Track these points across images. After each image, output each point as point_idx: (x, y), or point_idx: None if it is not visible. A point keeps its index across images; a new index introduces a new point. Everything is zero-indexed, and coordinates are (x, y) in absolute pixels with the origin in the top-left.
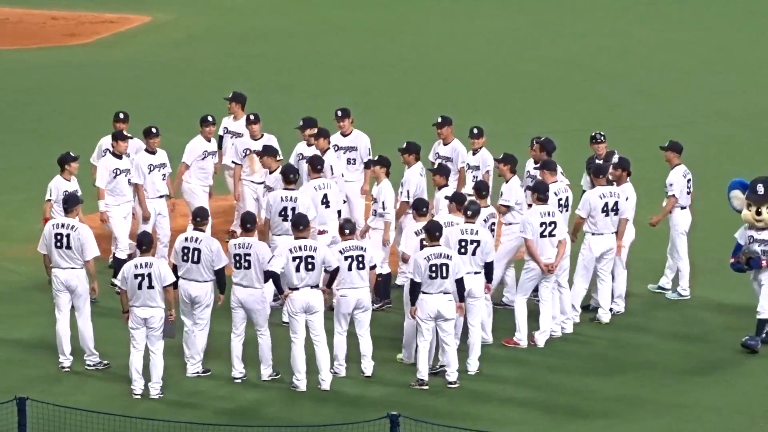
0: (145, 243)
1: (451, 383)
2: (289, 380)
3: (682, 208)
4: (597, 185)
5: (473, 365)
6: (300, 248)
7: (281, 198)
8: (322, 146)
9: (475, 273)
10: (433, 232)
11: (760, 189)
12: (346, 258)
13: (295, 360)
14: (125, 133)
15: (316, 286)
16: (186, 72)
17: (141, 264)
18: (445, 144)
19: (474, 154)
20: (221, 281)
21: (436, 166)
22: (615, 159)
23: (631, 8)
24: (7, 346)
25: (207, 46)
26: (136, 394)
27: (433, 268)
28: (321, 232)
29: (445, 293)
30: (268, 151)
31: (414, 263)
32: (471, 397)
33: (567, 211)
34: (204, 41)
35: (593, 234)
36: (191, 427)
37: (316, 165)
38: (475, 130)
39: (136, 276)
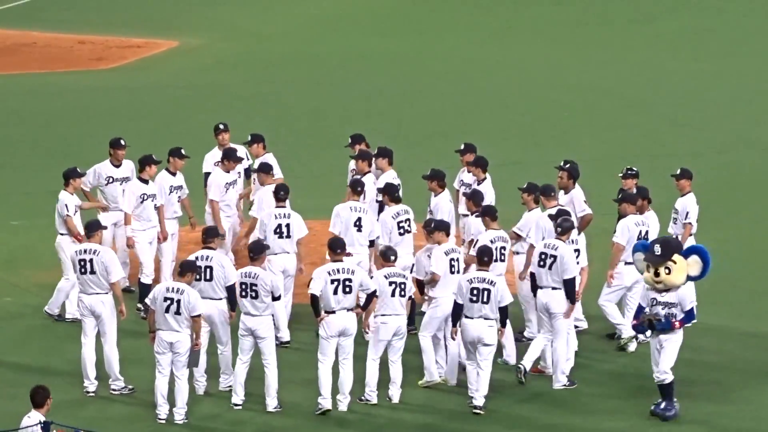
0: (186, 269)
1: (476, 408)
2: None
3: (691, 234)
4: (629, 213)
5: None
6: (338, 271)
7: (275, 216)
8: (362, 168)
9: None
10: (482, 257)
11: (657, 249)
12: (390, 284)
13: (321, 381)
14: (154, 157)
15: (352, 309)
16: (214, 97)
17: (173, 288)
18: (468, 171)
19: (469, 171)
20: (232, 298)
21: (470, 192)
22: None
23: (662, 37)
24: (32, 371)
25: (235, 71)
26: (161, 419)
27: (475, 291)
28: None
29: (485, 318)
30: (263, 169)
31: (457, 285)
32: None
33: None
34: (232, 67)
35: (626, 263)
36: None
37: (356, 187)
38: (462, 146)
39: (165, 299)
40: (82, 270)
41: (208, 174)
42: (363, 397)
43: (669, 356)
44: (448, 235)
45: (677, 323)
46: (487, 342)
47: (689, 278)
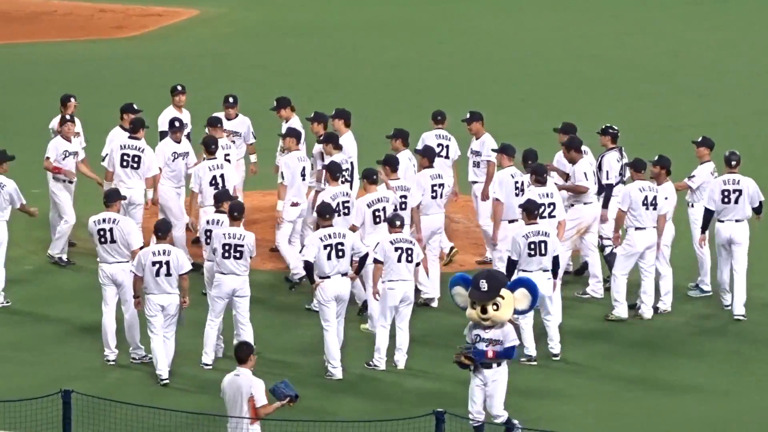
0: (162, 230)
1: (554, 356)
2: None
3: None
4: (636, 179)
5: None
6: (330, 236)
7: (209, 168)
8: (317, 131)
9: None
10: (531, 210)
11: (483, 285)
12: (396, 249)
13: (329, 348)
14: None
15: (346, 274)
16: (232, 66)
17: (159, 251)
18: (476, 139)
19: (476, 139)
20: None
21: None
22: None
23: (679, 7)
24: (52, 340)
25: (255, 40)
26: (163, 380)
27: (532, 245)
28: (294, 204)
29: (544, 271)
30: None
31: (512, 241)
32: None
33: (523, 194)
34: (252, 36)
35: (636, 228)
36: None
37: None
38: (467, 115)
39: (154, 263)
40: (102, 239)
41: (163, 133)
42: (371, 362)
43: (499, 397)
44: (371, 183)
45: (490, 351)
46: (548, 293)
47: (517, 312)
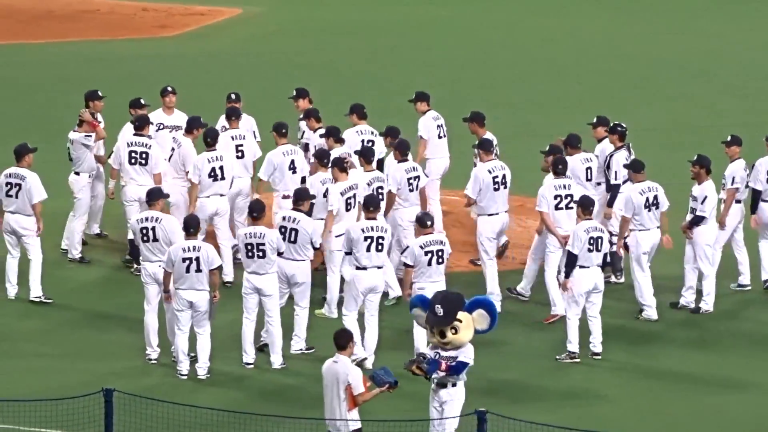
0: (192, 226)
1: (595, 354)
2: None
3: (737, 201)
4: (636, 181)
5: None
6: (372, 228)
7: (208, 160)
8: (312, 126)
9: None
10: (586, 206)
11: (439, 310)
12: (426, 253)
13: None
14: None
15: (382, 267)
16: (273, 66)
17: (189, 247)
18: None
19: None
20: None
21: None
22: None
23: (722, 7)
24: (94, 338)
25: (295, 39)
26: (182, 375)
27: (591, 241)
28: (285, 197)
29: (598, 266)
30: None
31: (573, 236)
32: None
33: (505, 188)
34: (292, 35)
35: (640, 230)
36: (280, 421)
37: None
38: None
39: (184, 259)
40: (144, 238)
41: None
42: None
43: (451, 422)
44: (342, 171)
45: (443, 363)
46: (601, 288)
47: (477, 332)
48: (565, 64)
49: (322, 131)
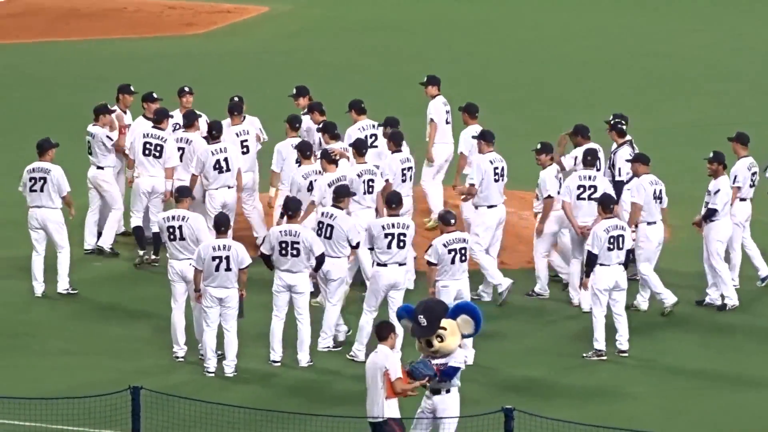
0: (223, 224)
1: (622, 352)
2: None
3: (742, 199)
4: (643, 173)
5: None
6: (393, 225)
7: (212, 152)
8: (316, 120)
9: None
10: (607, 204)
11: (423, 320)
12: (450, 251)
13: (362, 331)
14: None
15: (404, 264)
16: (299, 64)
17: (219, 246)
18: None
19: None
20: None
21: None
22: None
23: (747, 4)
24: (121, 336)
25: (323, 37)
26: (209, 372)
27: (611, 240)
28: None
29: (619, 264)
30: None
31: (593, 235)
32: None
33: (503, 180)
34: (320, 33)
35: (648, 223)
36: (307, 418)
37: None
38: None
39: (214, 258)
40: (171, 236)
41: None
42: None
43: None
44: (330, 163)
45: (436, 367)
46: (624, 286)
47: (464, 337)
48: (592, 62)
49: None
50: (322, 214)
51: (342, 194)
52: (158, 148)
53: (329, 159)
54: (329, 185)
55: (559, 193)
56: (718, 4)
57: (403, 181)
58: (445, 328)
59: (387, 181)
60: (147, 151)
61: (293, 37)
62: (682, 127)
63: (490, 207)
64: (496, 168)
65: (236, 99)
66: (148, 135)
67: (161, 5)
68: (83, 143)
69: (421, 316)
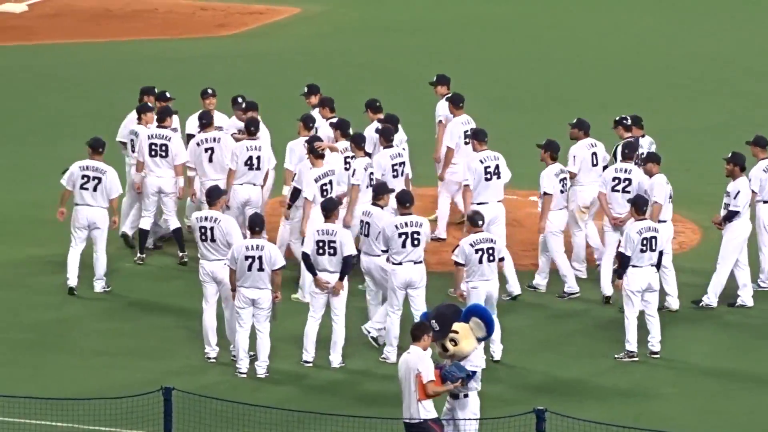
0: (258, 224)
1: (654, 353)
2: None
3: (765, 202)
4: (655, 173)
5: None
6: (407, 224)
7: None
8: (324, 115)
9: None
10: (640, 206)
11: (435, 326)
12: (477, 251)
13: (390, 332)
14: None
15: (420, 262)
16: (331, 65)
17: (252, 246)
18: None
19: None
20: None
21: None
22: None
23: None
24: (153, 337)
25: (356, 39)
26: (241, 373)
27: (644, 241)
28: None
29: (652, 265)
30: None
31: (626, 237)
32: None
33: (498, 178)
34: (353, 34)
35: (659, 221)
36: (338, 419)
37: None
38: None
39: (246, 258)
40: (203, 237)
41: (190, 135)
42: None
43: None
44: (317, 158)
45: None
46: (655, 287)
47: (479, 340)
48: (624, 62)
49: (333, 121)
50: (363, 212)
51: (382, 191)
52: (163, 148)
53: (316, 154)
54: (316, 180)
55: (561, 192)
56: (752, 3)
57: (395, 176)
58: (457, 332)
59: (377, 179)
60: (153, 152)
61: (326, 38)
62: (715, 127)
63: (480, 204)
64: (487, 167)
65: (239, 100)
66: (152, 136)
67: (193, 6)
68: (114, 143)
69: (434, 321)
